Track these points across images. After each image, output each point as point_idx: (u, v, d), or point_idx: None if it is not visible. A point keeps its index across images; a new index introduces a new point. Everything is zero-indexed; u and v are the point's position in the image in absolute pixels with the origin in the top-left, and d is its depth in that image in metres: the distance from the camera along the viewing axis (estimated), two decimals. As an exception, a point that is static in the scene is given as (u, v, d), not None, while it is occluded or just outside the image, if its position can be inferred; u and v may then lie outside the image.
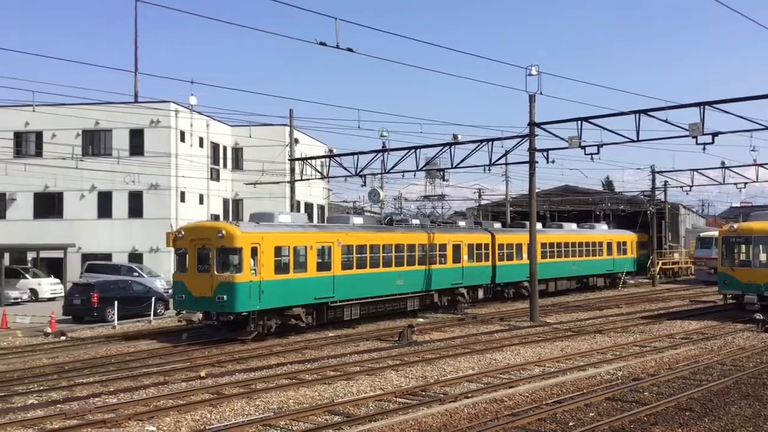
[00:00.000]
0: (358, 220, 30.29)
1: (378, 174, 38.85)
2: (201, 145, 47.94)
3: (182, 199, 45.16)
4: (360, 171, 34.07)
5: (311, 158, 39.14)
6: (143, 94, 37.96)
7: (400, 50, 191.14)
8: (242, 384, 17.18)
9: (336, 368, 19.26)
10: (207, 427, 13.28)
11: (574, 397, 15.20)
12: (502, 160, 31.83)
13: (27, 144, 44.93)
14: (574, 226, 47.15)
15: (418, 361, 20.07)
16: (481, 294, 35.55)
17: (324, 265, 26.14)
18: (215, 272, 23.29)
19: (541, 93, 27.53)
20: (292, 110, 40.05)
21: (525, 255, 35.89)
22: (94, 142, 44.60)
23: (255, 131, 46.93)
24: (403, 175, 35.62)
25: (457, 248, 33.36)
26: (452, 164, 31.99)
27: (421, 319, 30.58)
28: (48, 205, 44.85)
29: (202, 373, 18.60)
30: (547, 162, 30.07)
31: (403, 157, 32.92)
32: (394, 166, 33.24)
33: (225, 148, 51.79)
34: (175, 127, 44.62)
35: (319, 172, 39.52)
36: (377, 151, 33.52)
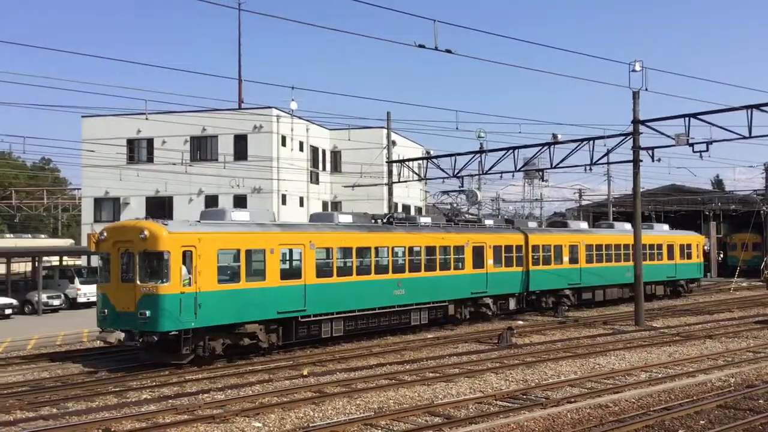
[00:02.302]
0: (344, 219, 25.33)
1: (475, 175, 38.61)
2: (301, 149, 49.02)
3: (284, 202, 46.31)
4: (457, 172, 33.94)
5: (408, 160, 39.34)
6: (247, 101, 39.26)
7: (499, 50, 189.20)
8: (343, 383, 17.45)
9: (435, 369, 19.27)
10: (310, 425, 13.58)
11: (683, 404, 14.64)
12: (604, 160, 30.91)
13: (139, 151, 47.17)
14: (627, 225, 40.37)
15: (519, 364, 19.81)
16: (512, 304, 30.93)
17: (291, 273, 21.90)
18: (138, 282, 19.09)
19: (645, 89, 26.70)
20: (389, 113, 40.44)
21: (566, 258, 33.52)
22: (201, 148, 46.37)
23: (353, 134, 47.58)
24: (501, 176, 34.76)
25: (478, 251, 28.94)
26: (551, 164, 31.39)
27: (520, 322, 30.15)
28: (158, 208, 46.90)
29: (305, 372, 19.02)
30: (653, 160, 29.09)
31: (501, 157, 32.61)
32: (491, 167, 32.95)
33: (324, 152, 52.75)
34: (277, 132, 45.81)
35: (416, 173, 39.65)
36: (475, 152, 33.34)
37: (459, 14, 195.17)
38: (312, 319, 22.42)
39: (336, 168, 53.06)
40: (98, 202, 46.80)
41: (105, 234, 20.21)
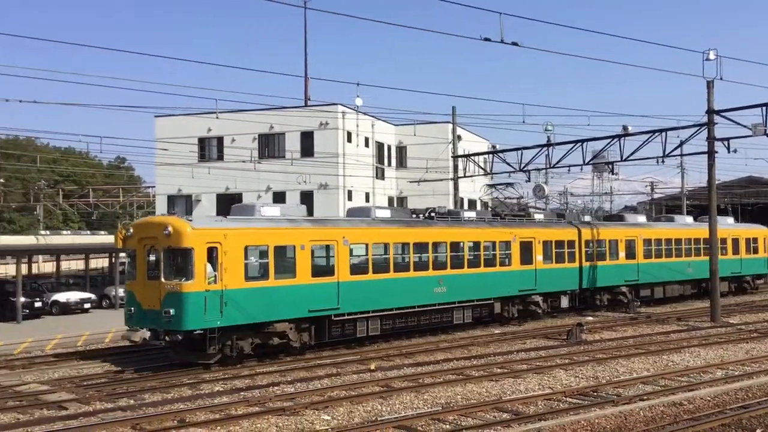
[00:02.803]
0: (381, 213, 24.39)
1: (542, 169, 38.05)
2: (367, 144, 49.23)
3: (350, 198, 46.62)
4: (524, 166, 33.57)
5: (474, 155, 39.07)
6: (313, 98, 39.68)
7: (566, 41, 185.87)
8: (410, 378, 17.50)
9: (503, 365, 19.14)
10: (378, 418, 13.68)
11: (761, 403, 14.15)
12: (677, 151, 30.06)
13: (209, 149, 48.22)
14: (689, 219, 39.52)
15: (589, 361, 19.49)
16: (565, 302, 29.62)
17: (323, 269, 21.15)
18: (163, 279, 18.65)
19: (720, 78, 25.85)
20: (454, 107, 40.08)
21: (622, 254, 32.08)
22: (269, 145, 47.11)
23: (418, 129, 47.53)
24: (569, 170, 33.82)
25: (526, 246, 27.73)
26: (622, 157, 30.74)
27: (590, 318, 29.64)
28: (229, 205, 47.77)
29: (372, 366, 19.15)
30: (728, 152, 28.22)
31: (568, 151, 32.09)
32: (559, 161, 32.47)
33: (389, 147, 52.85)
34: (343, 129, 46.13)
35: (482, 168, 39.37)
36: (542, 146, 32.89)
37: (525, 6, 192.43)
38: (346, 317, 21.57)
39: (401, 163, 53.09)
40: (171, 200, 48.07)
41: (131, 230, 19.92)
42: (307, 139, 46.43)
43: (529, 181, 35.15)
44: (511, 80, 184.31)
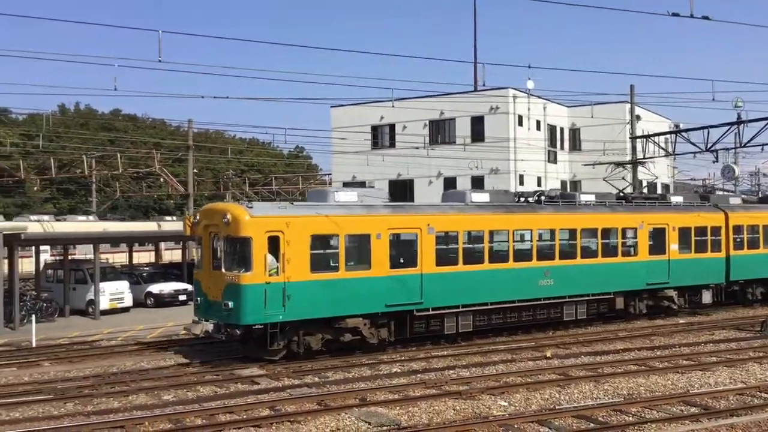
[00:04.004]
0: (478, 197, 21.99)
1: (732, 149, 35.52)
2: (538, 128, 48.28)
3: (521, 182, 45.99)
4: (711, 146, 31.46)
5: (654, 135, 37.14)
6: (485, 83, 39.42)
7: (762, 13, 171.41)
8: (588, 367, 17.09)
9: (689, 357, 18.21)
10: (557, 407, 13.50)
11: None
12: None
13: (382, 136, 49.43)
14: None
15: (787, 355, 18.06)
16: (707, 297, 26.19)
17: (404, 260, 19.40)
18: (223, 270, 17.71)
19: None
20: (632, 86, 38.30)
21: None
22: (440, 131, 47.51)
23: (593, 110, 45.95)
24: (762, 149, 31.13)
25: (657, 234, 24.58)
26: (824, 133, 27.95)
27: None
28: (401, 191, 48.82)
29: (548, 354, 18.89)
30: None
31: (762, 128, 29.65)
32: (750, 140, 30.12)
33: (562, 130, 51.50)
34: (513, 113, 45.52)
35: (663, 149, 37.38)
36: (731, 124, 30.65)
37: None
38: (431, 313, 19.79)
39: (575, 146, 51.58)
40: (347, 186, 49.89)
41: (198, 217, 19.03)
42: (477, 124, 46.31)
43: (717, 161, 32.93)
44: (699, 56, 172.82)
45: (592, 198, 24.46)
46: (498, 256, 21.07)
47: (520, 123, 46.36)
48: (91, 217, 36.31)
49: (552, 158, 50.15)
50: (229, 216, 17.37)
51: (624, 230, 23.85)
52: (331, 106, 49.31)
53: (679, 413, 12.93)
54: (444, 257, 19.99)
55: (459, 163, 45.17)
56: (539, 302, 21.86)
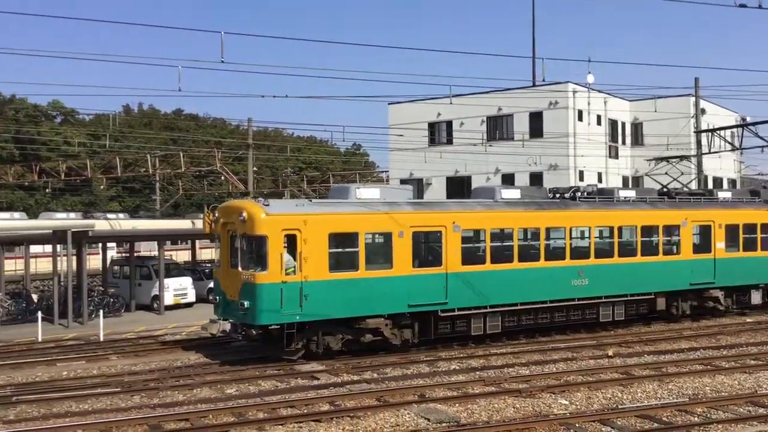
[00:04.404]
0: (509, 194, 21.33)
1: (803, 142, 34.27)
2: (599, 122, 47.47)
3: (581, 178, 45.29)
4: (780, 140, 30.43)
5: (720, 129, 36.12)
6: (543, 78, 38.95)
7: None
8: (652, 366, 16.77)
9: (757, 357, 17.71)
10: (619, 406, 13.29)
11: None
12: None
13: (439, 133, 49.33)
14: None
15: None
16: (756, 298, 25.08)
17: (428, 259, 19.00)
18: (240, 269, 17.52)
19: None
20: (697, 79, 37.33)
21: None
22: (498, 127, 47.15)
23: (656, 104, 44.93)
24: None
25: (702, 231, 23.70)
26: None
27: None
28: (458, 188, 48.67)
29: (610, 352, 18.59)
30: None
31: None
32: (824, 132, 28.99)
33: (623, 125, 50.53)
34: (573, 107, 44.87)
35: (729, 143, 36.32)
36: (802, 116, 29.57)
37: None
38: (456, 313, 19.17)
39: (637, 141, 50.55)
40: (404, 183, 49.98)
41: (217, 215, 18.75)
42: (536, 119, 45.82)
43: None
44: (766, 47, 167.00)
45: (632, 194, 23.68)
46: (528, 255, 20.42)
47: (580, 118, 45.68)
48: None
49: (613, 153, 49.27)
50: (245, 214, 17.14)
51: (666, 228, 22.88)
52: (389, 103, 49.45)
53: (747, 414, 12.58)
54: (470, 256, 19.46)
55: (517, 159, 44.76)
56: (573, 303, 21.07)
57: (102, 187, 63.21)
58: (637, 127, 50.99)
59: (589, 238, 21.43)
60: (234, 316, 17.72)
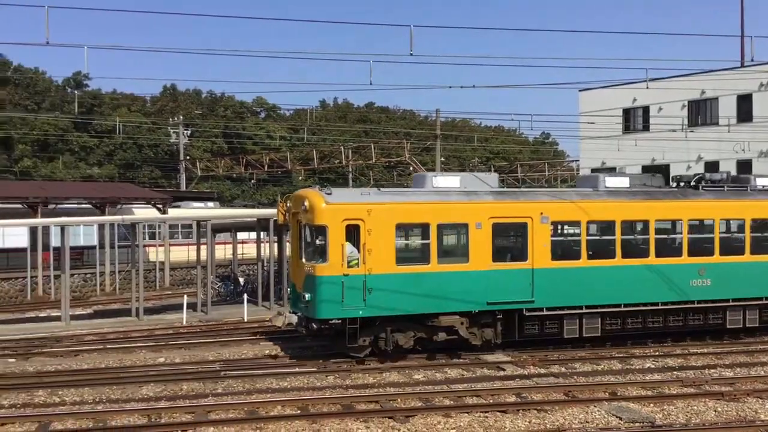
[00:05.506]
0: (615, 182, 19.06)
1: None
2: (819, 104, 42.93)
3: (797, 165, 41.30)
4: None
5: None
6: (753, 57, 35.71)
7: None
8: None
9: None
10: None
11: None
12: None
13: (634, 119, 47.06)
14: None
15: None
16: None
17: (510, 253, 17.47)
18: (303, 260, 16.87)
19: None
20: None
21: None
22: (700, 112, 44.16)
23: None
24: None
25: None
26: None
27: None
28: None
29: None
30: None
31: None
32: None
33: None
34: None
35: None
36: None
37: None
38: (545, 313, 17.46)
39: None
40: (594, 173, 48.31)
41: (289, 204, 17.95)
42: (744, 102, 42.40)
43: None
44: None
45: (765, 183, 20.21)
46: (634, 251, 18.32)
47: (796, 100, 41.63)
48: None
49: (836, 138, 44.39)
50: (307, 203, 16.47)
51: None
52: (580, 90, 47.98)
53: None
54: (562, 250, 17.86)
55: (721, 146, 41.68)
56: (692, 305, 18.58)
57: (300, 177, 66.91)
58: None
59: (713, 232, 18.86)
60: (299, 308, 17.22)
